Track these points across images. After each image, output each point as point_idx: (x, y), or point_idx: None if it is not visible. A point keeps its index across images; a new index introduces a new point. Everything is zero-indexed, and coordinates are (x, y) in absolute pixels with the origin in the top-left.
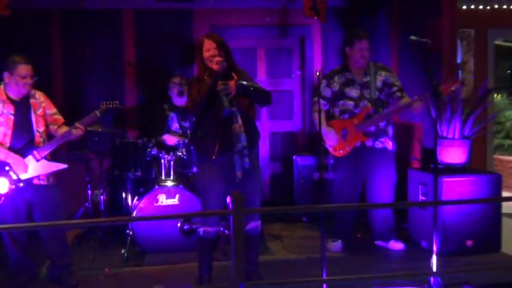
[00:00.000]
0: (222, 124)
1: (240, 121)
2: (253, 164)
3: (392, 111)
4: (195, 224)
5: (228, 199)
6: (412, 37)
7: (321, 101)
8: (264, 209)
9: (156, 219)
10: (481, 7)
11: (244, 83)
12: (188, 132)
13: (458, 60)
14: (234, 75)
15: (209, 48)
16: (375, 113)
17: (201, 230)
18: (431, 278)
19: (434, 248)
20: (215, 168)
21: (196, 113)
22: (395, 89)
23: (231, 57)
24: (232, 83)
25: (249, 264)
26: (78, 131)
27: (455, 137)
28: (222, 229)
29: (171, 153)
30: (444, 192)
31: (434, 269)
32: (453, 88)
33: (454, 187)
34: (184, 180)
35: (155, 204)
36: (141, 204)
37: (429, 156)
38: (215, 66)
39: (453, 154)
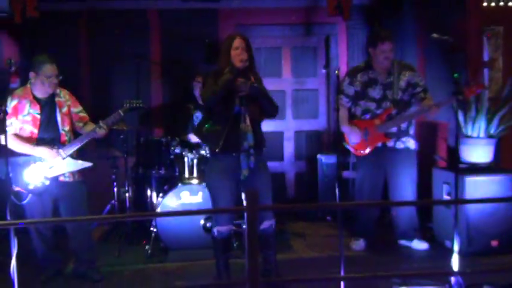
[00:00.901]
0: (231, 120)
1: (248, 121)
2: (260, 164)
3: (412, 114)
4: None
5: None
6: (434, 35)
7: (344, 98)
8: (278, 206)
9: (177, 215)
10: (510, 4)
11: (261, 89)
12: None
13: (486, 58)
14: (252, 77)
15: (238, 46)
16: (397, 114)
17: (215, 230)
18: (452, 278)
19: (456, 248)
20: (222, 168)
21: (210, 104)
22: (419, 89)
23: (253, 60)
24: (249, 83)
25: (267, 263)
26: (101, 130)
27: (480, 136)
28: (234, 227)
29: (194, 152)
30: (468, 192)
31: (456, 269)
32: (476, 92)
33: (479, 186)
34: None
35: (178, 201)
36: (165, 202)
37: (454, 155)
38: (238, 64)
39: (478, 153)
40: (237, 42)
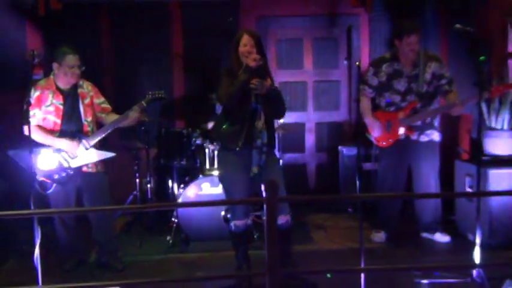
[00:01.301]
0: (248, 118)
1: (263, 118)
2: (271, 161)
3: (436, 110)
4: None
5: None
6: (457, 25)
7: (367, 88)
8: (297, 197)
9: (198, 205)
10: None
11: (277, 89)
12: None
13: (510, 49)
14: (269, 78)
15: (246, 43)
16: (422, 108)
17: (232, 224)
18: (474, 271)
19: (478, 240)
20: (236, 162)
21: (228, 105)
22: (443, 81)
23: (265, 56)
24: (267, 83)
25: (283, 255)
26: (134, 113)
27: (504, 128)
28: (255, 219)
29: (215, 143)
30: (491, 184)
31: (477, 261)
32: (503, 92)
33: (502, 179)
34: None
35: (199, 192)
36: (186, 193)
37: (477, 148)
38: (252, 63)
39: (502, 146)
40: (245, 39)
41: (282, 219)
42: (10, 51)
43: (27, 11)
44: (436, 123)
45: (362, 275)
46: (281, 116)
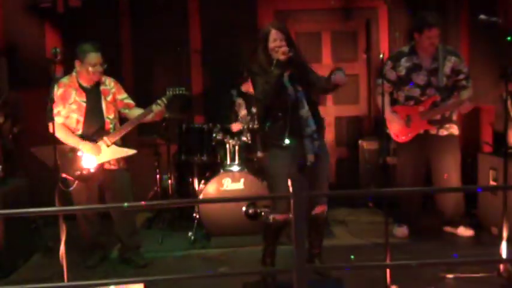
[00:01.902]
0: (290, 110)
1: (306, 106)
2: (323, 149)
3: (447, 107)
4: (259, 208)
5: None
6: (482, 16)
7: (385, 83)
8: (327, 193)
9: (221, 201)
10: None
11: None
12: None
13: None
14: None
15: (276, 38)
16: (442, 101)
17: (270, 217)
18: (501, 265)
19: (504, 234)
20: (286, 155)
21: (268, 104)
22: (461, 76)
23: (296, 47)
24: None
25: (312, 247)
26: (158, 107)
27: None
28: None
29: (236, 138)
30: None
31: (504, 256)
32: None
33: None
34: (249, 164)
35: (221, 188)
36: (207, 189)
37: (501, 140)
38: (282, 57)
39: None
40: (274, 34)
41: (319, 209)
42: (29, 49)
43: (46, 9)
44: (455, 117)
45: (387, 270)
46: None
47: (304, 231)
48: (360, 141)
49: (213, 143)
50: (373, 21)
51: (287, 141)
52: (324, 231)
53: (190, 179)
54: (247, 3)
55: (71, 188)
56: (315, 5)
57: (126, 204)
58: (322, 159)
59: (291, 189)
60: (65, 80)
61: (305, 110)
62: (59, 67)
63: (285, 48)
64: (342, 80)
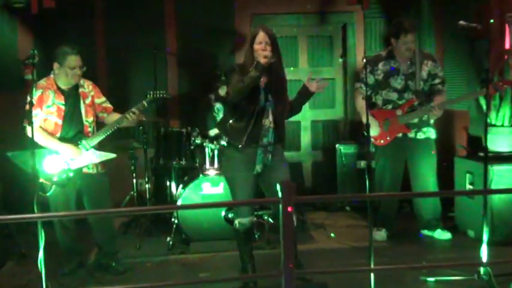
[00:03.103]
0: (255, 116)
1: (271, 117)
2: (277, 161)
3: (420, 111)
4: (233, 214)
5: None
6: (461, 22)
7: (363, 87)
8: (311, 197)
9: (200, 207)
10: None
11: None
12: None
13: (508, 46)
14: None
15: (261, 41)
16: (419, 105)
17: (236, 222)
18: (481, 268)
19: (484, 238)
20: (241, 159)
21: (236, 101)
22: (437, 81)
23: (279, 54)
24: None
25: None
26: (133, 116)
27: (504, 125)
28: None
29: (215, 142)
30: (492, 181)
31: (484, 259)
32: (503, 88)
33: (503, 176)
34: None
35: (200, 192)
36: (186, 193)
37: (476, 144)
38: (263, 60)
39: (502, 142)
40: (260, 36)
41: None
42: (1, 51)
43: (19, 9)
44: (432, 121)
45: (371, 274)
46: (294, 115)
47: (293, 236)
48: (336, 145)
49: (192, 147)
50: (349, 26)
51: (243, 144)
52: (295, 238)
53: (168, 183)
54: (224, 6)
55: (48, 193)
56: (292, 9)
57: (104, 210)
58: (275, 171)
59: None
60: (42, 82)
61: (268, 121)
62: (29, 69)
63: (267, 53)
64: (320, 86)
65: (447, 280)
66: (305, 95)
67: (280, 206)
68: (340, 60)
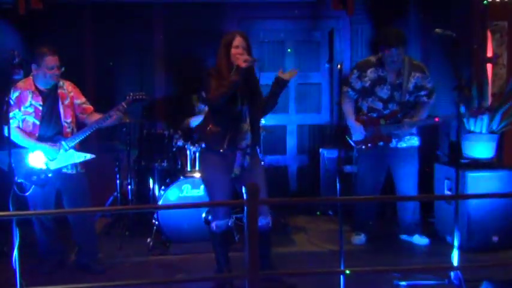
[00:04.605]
0: (234, 120)
1: (248, 120)
2: (254, 163)
3: (402, 125)
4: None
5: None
6: (437, 30)
7: (350, 91)
8: (278, 199)
9: (178, 207)
10: None
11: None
12: None
13: (490, 54)
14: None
15: (238, 45)
16: (403, 117)
17: (213, 224)
18: (452, 273)
19: (456, 243)
20: (218, 162)
21: (217, 106)
22: (423, 92)
23: (253, 62)
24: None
25: (262, 257)
26: (117, 112)
27: (483, 132)
28: (237, 220)
29: (197, 145)
30: (469, 187)
31: (456, 264)
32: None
33: (480, 182)
34: None
35: (180, 194)
36: (167, 195)
37: (457, 151)
38: (243, 64)
39: (480, 149)
40: (238, 41)
41: (262, 221)
42: None
43: (7, 10)
44: (415, 130)
45: (342, 277)
46: (270, 109)
47: (257, 238)
48: (321, 150)
49: (174, 149)
50: (336, 31)
51: (224, 148)
52: (270, 242)
53: (151, 185)
54: (212, 10)
55: (27, 193)
56: (279, 14)
57: (79, 209)
58: (254, 173)
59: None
60: (20, 83)
61: (246, 124)
62: (18, 69)
63: (247, 57)
64: (292, 73)
65: (419, 284)
66: (279, 84)
67: (245, 208)
68: (327, 65)
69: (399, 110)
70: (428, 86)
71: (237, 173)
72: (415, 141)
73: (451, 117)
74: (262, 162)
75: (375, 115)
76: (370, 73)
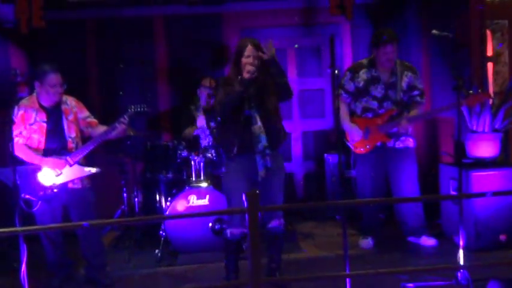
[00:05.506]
0: (242, 125)
1: (259, 123)
2: (276, 164)
3: (395, 123)
4: (225, 224)
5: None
6: (434, 31)
7: (343, 94)
8: (281, 206)
9: (184, 217)
10: None
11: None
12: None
13: (491, 53)
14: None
15: (249, 55)
16: (398, 115)
17: (228, 232)
18: (459, 273)
19: (461, 243)
20: (238, 169)
21: (222, 115)
22: (416, 92)
23: (271, 67)
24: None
25: (272, 262)
26: (121, 125)
27: (485, 131)
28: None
29: (201, 155)
30: (474, 187)
31: (462, 264)
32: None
33: (484, 181)
34: (214, 181)
35: (186, 205)
36: (173, 206)
37: (461, 151)
38: (246, 75)
39: (483, 148)
40: (249, 50)
41: (275, 222)
42: None
43: (9, 29)
44: (410, 130)
45: (347, 281)
46: (289, 97)
47: (259, 245)
48: (326, 155)
49: (179, 160)
50: (336, 37)
51: (234, 153)
52: (281, 245)
53: (157, 197)
54: (212, 20)
55: (34, 209)
56: (279, 22)
57: (88, 222)
58: (274, 173)
59: (245, 203)
60: (24, 101)
61: (257, 126)
62: (22, 87)
63: (251, 68)
64: (267, 47)
65: (426, 286)
66: (267, 65)
67: (247, 215)
68: (329, 70)
69: (394, 109)
70: (420, 87)
71: (263, 176)
72: (410, 142)
73: (450, 108)
74: (284, 170)
75: (370, 115)
76: (363, 74)
